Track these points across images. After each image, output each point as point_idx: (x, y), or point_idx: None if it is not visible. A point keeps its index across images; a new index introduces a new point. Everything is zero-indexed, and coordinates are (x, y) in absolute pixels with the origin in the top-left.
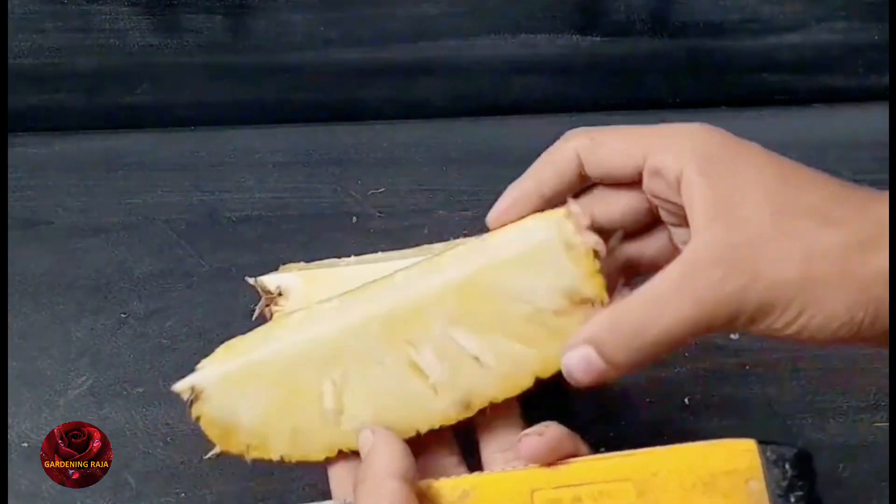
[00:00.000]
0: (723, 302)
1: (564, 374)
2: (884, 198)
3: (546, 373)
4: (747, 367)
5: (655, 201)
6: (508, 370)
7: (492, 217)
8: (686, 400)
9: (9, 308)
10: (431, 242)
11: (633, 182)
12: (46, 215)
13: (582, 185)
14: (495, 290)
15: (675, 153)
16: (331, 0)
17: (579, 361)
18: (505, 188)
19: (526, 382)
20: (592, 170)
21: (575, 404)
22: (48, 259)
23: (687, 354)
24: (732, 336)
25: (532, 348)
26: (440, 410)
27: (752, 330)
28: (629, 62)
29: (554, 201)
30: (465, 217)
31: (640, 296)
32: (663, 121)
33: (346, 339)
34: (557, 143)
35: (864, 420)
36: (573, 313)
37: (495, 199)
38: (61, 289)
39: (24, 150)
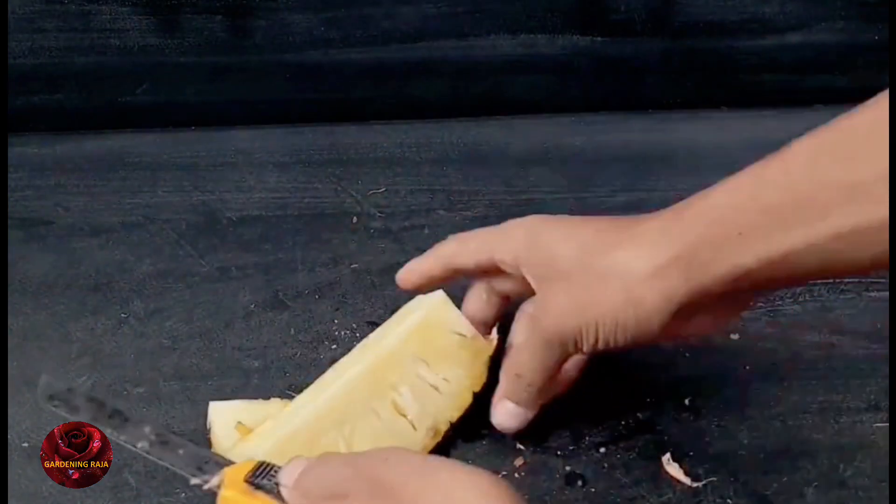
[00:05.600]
0: (559, 326)
1: (498, 427)
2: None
3: (476, 387)
4: (747, 368)
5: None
6: (454, 390)
7: (401, 275)
8: (687, 401)
9: (9, 308)
10: (431, 242)
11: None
12: (46, 215)
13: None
14: (440, 324)
15: (510, 248)
16: (331, 0)
17: (504, 414)
18: (504, 188)
19: (466, 399)
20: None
21: (575, 407)
22: (48, 259)
23: (688, 355)
24: (733, 336)
25: (464, 369)
26: (419, 441)
27: (590, 348)
28: (629, 62)
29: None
30: (465, 217)
31: (511, 347)
32: (664, 121)
33: (346, 398)
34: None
35: (864, 420)
36: (481, 336)
37: (495, 199)
38: (61, 289)
39: (24, 150)
